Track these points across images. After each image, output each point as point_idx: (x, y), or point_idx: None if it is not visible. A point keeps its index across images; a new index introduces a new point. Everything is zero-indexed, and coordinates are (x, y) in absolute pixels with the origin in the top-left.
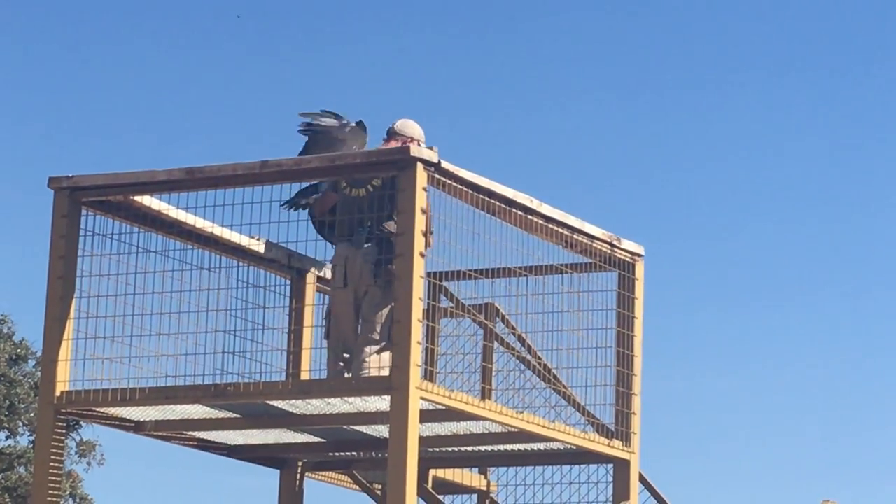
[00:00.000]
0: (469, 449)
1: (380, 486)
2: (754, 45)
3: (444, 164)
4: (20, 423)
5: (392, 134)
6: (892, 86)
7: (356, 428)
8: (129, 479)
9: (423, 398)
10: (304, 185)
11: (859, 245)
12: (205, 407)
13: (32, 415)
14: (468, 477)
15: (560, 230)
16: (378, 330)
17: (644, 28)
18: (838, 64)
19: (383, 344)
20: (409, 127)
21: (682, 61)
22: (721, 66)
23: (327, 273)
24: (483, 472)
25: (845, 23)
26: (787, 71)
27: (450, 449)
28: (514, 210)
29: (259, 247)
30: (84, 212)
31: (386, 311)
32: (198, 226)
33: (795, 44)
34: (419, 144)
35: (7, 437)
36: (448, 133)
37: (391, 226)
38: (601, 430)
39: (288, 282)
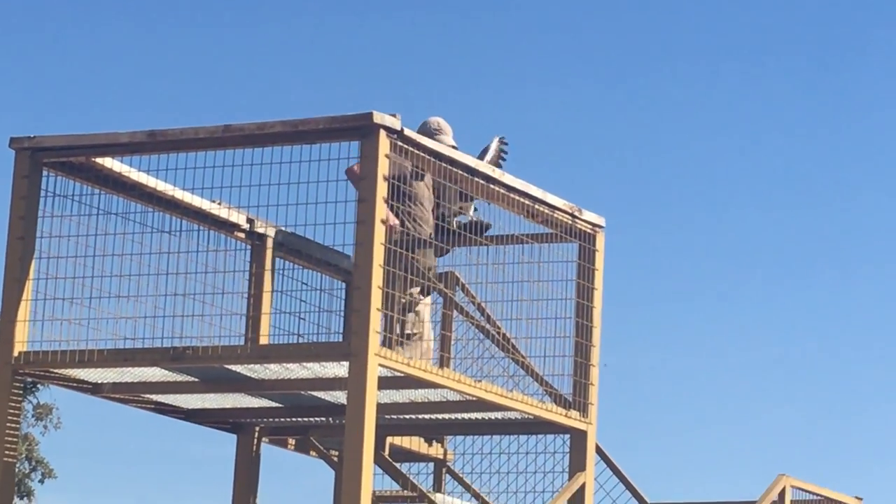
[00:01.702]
0: (426, 417)
1: (336, 453)
2: (718, 21)
3: (407, 132)
4: None
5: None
6: (854, 73)
7: (314, 394)
8: (86, 443)
9: (381, 365)
10: None
11: (826, 220)
12: (163, 370)
13: None
14: (425, 445)
15: (521, 200)
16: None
17: None
18: (800, 42)
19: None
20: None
21: (643, 31)
22: (682, 36)
23: (286, 238)
24: (440, 440)
25: (818, 9)
26: (746, 46)
27: (407, 417)
28: (476, 179)
29: (220, 211)
30: (45, 173)
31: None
32: (159, 189)
33: (760, 20)
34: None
35: None
36: (412, 101)
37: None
38: (559, 400)
39: (248, 247)
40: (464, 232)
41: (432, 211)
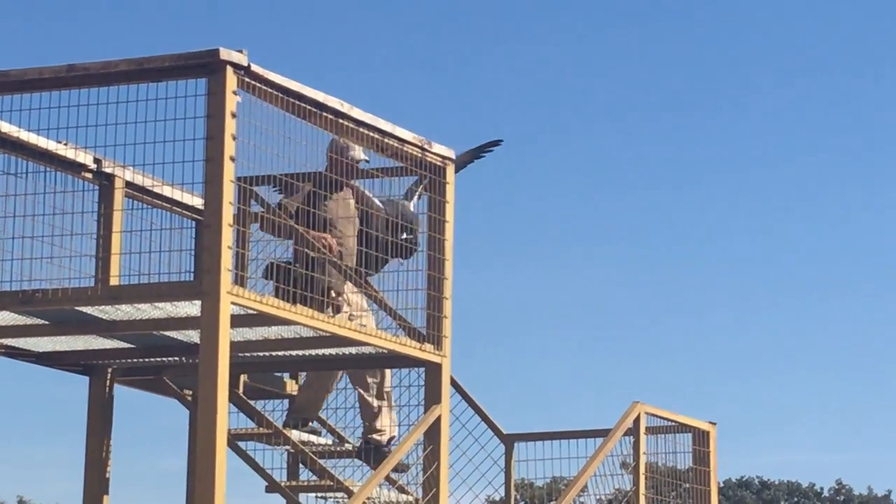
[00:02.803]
0: (280, 354)
1: (190, 392)
2: None
3: (254, 68)
4: None
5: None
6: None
7: (167, 334)
8: None
9: (234, 303)
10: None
11: (684, 132)
12: (13, 313)
13: None
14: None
15: (371, 134)
16: None
17: None
18: None
19: None
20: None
21: None
22: None
23: (137, 178)
24: (294, 376)
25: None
26: None
27: (261, 354)
28: (325, 114)
29: (67, 152)
30: None
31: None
32: (3, 130)
33: None
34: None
35: None
36: (259, 37)
37: None
38: (412, 333)
39: (96, 187)
40: (385, 257)
41: (359, 233)
